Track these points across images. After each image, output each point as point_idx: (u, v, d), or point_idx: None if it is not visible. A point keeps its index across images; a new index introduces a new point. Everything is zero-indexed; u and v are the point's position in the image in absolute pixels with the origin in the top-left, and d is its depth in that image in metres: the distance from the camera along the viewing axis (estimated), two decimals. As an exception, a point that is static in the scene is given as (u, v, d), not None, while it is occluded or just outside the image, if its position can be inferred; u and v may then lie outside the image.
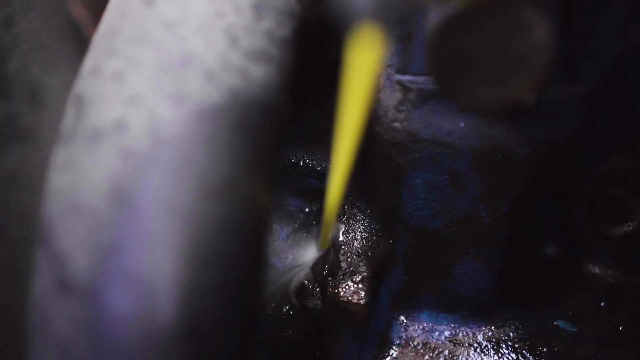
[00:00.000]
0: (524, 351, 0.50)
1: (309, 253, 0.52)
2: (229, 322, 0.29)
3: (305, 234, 0.53)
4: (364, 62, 0.28)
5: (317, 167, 0.52)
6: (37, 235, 0.28)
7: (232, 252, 0.29)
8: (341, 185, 0.35)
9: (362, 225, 0.50)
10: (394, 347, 0.51)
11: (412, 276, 0.50)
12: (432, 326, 0.52)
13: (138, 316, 0.26)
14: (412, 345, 0.51)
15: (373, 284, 0.49)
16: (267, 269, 0.50)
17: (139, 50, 0.30)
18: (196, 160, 0.28)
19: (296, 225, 0.53)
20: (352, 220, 0.50)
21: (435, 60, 0.32)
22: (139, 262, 0.26)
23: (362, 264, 0.49)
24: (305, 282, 0.50)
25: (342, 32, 0.27)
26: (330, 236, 0.48)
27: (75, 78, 0.31)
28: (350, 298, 0.48)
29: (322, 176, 0.51)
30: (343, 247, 0.49)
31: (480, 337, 0.51)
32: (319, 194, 0.51)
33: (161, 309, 0.26)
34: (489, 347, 0.50)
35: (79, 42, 0.48)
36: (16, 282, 0.44)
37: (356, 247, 0.49)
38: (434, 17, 0.31)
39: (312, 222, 0.53)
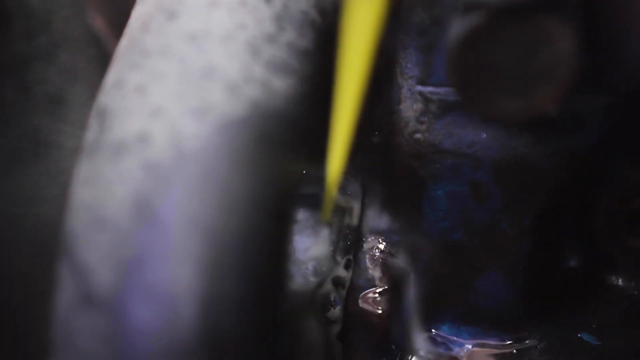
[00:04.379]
0: (547, 364, 0.49)
1: (329, 265, 0.51)
2: (251, 334, 0.29)
3: (325, 246, 0.52)
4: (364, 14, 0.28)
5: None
6: (60, 248, 0.29)
7: (254, 265, 0.29)
8: (345, 149, 0.33)
9: (382, 237, 0.50)
10: (415, 360, 0.51)
11: (433, 288, 0.50)
12: (454, 339, 0.51)
13: (161, 329, 0.26)
14: (433, 359, 0.50)
15: (394, 296, 0.49)
16: (288, 281, 0.50)
17: (162, 63, 0.30)
18: (219, 173, 0.28)
19: (316, 237, 0.53)
20: (373, 232, 0.50)
21: (457, 72, 0.32)
22: (162, 275, 0.26)
23: (383, 275, 0.49)
24: (326, 293, 0.50)
25: None
26: (332, 209, 0.46)
27: (97, 90, 0.32)
28: (371, 310, 0.48)
29: (341, 188, 0.51)
30: (364, 259, 0.49)
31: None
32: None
33: (183, 321, 0.26)
34: (511, 360, 0.50)
35: (100, 54, 0.48)
36: (30, 296, 0.44)
37: (377, 259, 0.49)
38: (456, 28, 0.31)
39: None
